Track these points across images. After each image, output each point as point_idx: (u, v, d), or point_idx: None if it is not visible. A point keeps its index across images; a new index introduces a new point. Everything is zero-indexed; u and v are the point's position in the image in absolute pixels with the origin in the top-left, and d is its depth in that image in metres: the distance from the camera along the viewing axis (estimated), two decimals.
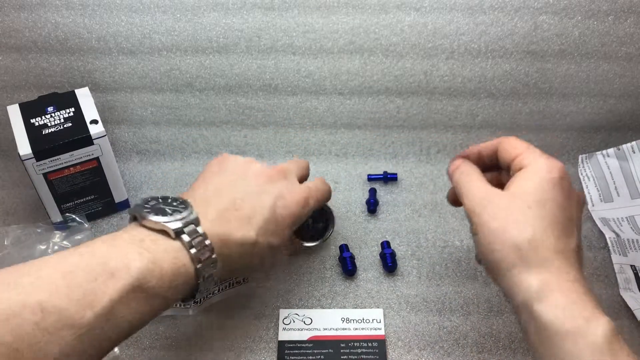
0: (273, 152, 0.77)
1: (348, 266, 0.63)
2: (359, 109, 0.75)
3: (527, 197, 0.41)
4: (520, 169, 0.44)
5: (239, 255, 0.44)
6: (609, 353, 0.35)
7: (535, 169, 0.42)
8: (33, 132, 0.61)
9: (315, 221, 0.59)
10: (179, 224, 0.40)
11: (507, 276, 0.40)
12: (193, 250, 0.40)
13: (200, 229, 0.41)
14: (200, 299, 0.59)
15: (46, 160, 0.61)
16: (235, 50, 0.72)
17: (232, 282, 0.60)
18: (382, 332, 0.58)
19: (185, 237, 0.40)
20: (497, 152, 0.47)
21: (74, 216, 0.67)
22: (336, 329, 0.59)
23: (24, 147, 0.60)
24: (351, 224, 0.69)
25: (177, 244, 0.40)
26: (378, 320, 0.59)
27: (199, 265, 0.40)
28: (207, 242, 0.41)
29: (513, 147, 0.45)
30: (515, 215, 0.40)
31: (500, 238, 0.40)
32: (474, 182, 0.44)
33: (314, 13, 0.71)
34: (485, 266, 0.44)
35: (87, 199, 0.67)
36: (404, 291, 0.62)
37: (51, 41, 0.71)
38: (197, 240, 0.40)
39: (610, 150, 0.72)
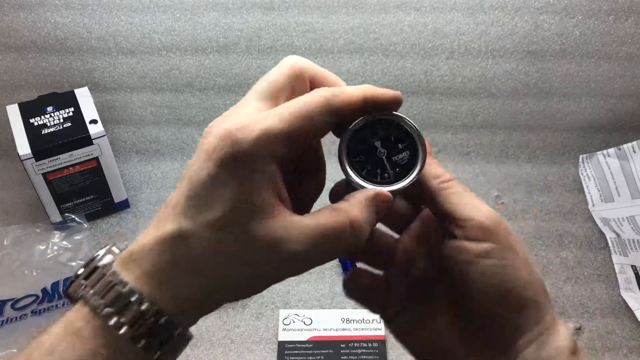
0: None
1: (348, 266, 0.63)
2: None
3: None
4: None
5: (175, 266, 0.27)
6: None
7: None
8: (32, 132, 0.61)
9: (392, 149, 0.34)
10: (80, 283, 0.29)
11: (529, 320, 0.30)
12: (93, 300, 0.27)
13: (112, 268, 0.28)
14: None
15: (45, 160, 0.61)
16: (235, 50, 0.72)
17: None
18: (382, 332, 0.58)
19: (85, 292, 0.28)
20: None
21: (73, 216, 0.67)
22: (336, 329, 0.58)
23: (23, 147, 0.60)
24: None
25: (77, 306, 0.28)
26: (378, 321, 0.59)
27: (105, 311, 0.27)
28: (110, 278, 0.28)
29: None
30: (522, 247, 0.32)
31: (532, 272, 0.31)
32: (473, 196, 0.33)
33: (314, 13, 0.70)
34: (486, 301, 0.30)
35: (87, 199, 0.67)
36: None
37: (51, 41, 0.71)
38: (99, 284, 0.28)
39: (611, 150, 0.71)
